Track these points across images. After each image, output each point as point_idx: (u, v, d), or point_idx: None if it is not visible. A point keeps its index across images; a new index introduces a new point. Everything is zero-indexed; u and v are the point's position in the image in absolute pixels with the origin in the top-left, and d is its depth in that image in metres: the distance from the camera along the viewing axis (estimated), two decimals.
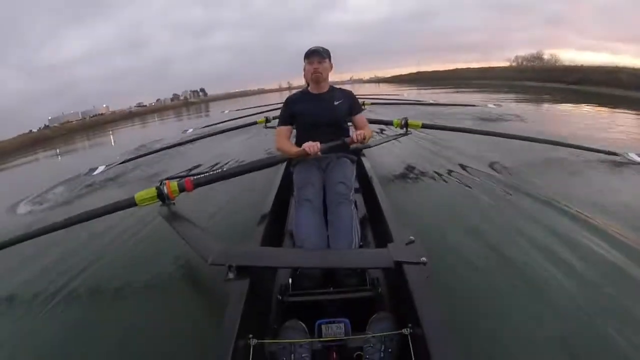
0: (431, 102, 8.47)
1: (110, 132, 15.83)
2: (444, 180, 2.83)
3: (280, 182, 2.10)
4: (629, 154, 3.12)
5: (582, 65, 16.23)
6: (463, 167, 3.12)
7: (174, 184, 1.71)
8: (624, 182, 2.62)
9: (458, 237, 1.85)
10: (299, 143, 1.78)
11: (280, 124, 1.91)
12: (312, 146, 1.64)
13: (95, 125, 26.37)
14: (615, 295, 1.36)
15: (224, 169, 1.92)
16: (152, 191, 1.71)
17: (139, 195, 1.71)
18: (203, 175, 1.83)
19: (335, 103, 1.85)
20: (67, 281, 1.89)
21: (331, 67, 1.88)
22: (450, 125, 3.80)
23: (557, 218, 2.00)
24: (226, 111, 9.66)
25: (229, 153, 4.68)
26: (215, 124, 7.10)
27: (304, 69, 1.86)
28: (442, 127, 3.93)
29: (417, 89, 19.12)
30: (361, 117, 1.93)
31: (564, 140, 3.42)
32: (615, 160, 3.06)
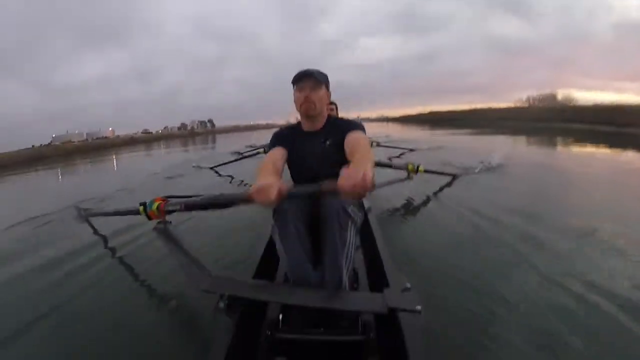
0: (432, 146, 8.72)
1: (114, 157, 15.89)
2: (449, 225, 2.76)
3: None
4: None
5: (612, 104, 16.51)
6: (472, 212, 2.99)
7: (169, 204, 1.72)
8: None
9: (459, 286, 1.78)
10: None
11: (269, 148, 1.55)
12: (283, 189, 1.10)
13: (97, 148, 26.65)
14: None
15: (220, 196, 1.83)
16: (155, 204, 1.74)
17: (142, 208, 1.78)
18: (198, 198, 1.67)
19: (327, 143, 1.46)
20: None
21: (328, 96, 1.53)
22: (453, 173, 4.00)
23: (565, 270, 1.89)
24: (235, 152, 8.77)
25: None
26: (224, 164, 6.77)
27: (294, 96, 1.48)
28: (442, 173, 4.04)
29: (431, 130, 18.92)
30: (356, 136, 1.39)
31: None
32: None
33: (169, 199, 1.77)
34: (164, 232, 1.66)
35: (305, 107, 1.45)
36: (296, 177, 1.57)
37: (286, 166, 1.54)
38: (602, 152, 7.95)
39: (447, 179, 4.18)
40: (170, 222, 1.72)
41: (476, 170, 4.73)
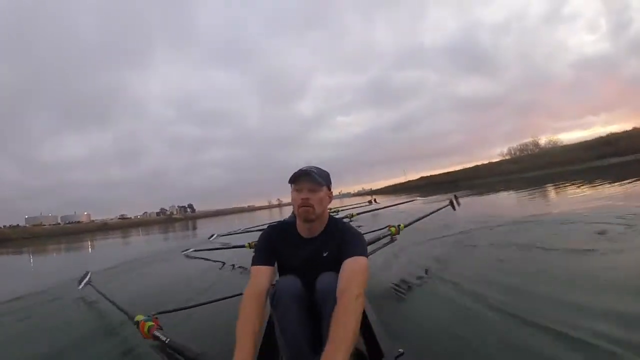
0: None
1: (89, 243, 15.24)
2: (436, 290, 2.72)
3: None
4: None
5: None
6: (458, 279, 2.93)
7: (147, 325, 1.83)
8: None
9: (451, 351, 1.76)
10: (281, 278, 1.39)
11: (258, 261, 1.38)
12: None
13: (67, 233, 25.41)
14: None
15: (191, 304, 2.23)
16: (146, 325, 1.84)
17: (138, 317, 1.92)
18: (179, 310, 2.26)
19: (325, 254, 1.38)
20: None
21: (330, 197, 1.44)
22: (422, 215, 4.30)
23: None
24: (214, 235, 9.20)
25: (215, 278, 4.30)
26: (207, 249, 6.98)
27: (292, 196, 1.40)
28: (417, 219, 4.21)
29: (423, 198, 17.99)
30: (357, 262, 1.26)
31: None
32: None
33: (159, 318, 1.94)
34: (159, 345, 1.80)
35: (303, 211, 1.33)
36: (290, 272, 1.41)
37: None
38: None
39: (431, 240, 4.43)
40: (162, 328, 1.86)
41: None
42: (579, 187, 10.38)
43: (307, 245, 1.39)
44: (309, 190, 1.33)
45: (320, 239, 1.39)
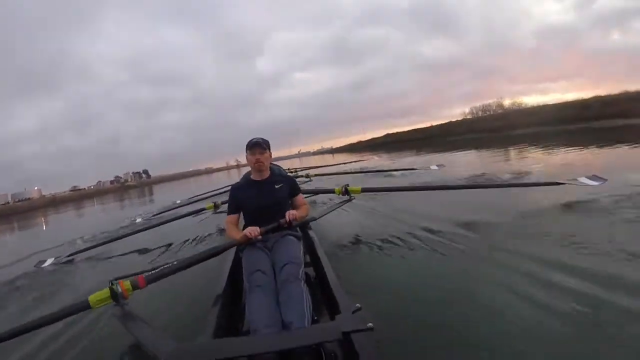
0: (373, 169, 9.32)
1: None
2: (392, 244, 2.89)
3: (231, 269, 2.10)
4: (579, 179, 3.40)
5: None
6: (410, 228, 3.20)
7: (127, 282, 1.70)
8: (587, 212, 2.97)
9: (408, 300, 1.89)
10: (246, 228, 1.91)
11: (229, 212, 2.14)
12: (252, 231, 1.84)
13: (19, 212, 23.56)
14: None
15: (175, 263, 1.92)
16: (106, 292, 1.68)
17: (93, 297, 1.67)
18: (155, 271, 1.83)
19: (277, 187, 2.11)
20: None
21: (270, 155, 2.14)
22: (390, 186, 4.13)
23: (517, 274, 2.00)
24: (178, 201, 8.79)
25: (180, 240, 4.41)
26: (165, 211, 7.09)
27: (247, 158, 2.10)
28: (382, 189, 4.22)
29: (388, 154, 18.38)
30: (299, 198, 2.23)
31: (516, 181, 3.90)
32: (568, 189, 3.39)
33: (145, 274, 1.77)
34: (121, 313, 1.62)
35: (257, 165, 2.07)
36: (253, 213, 2.07)
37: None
38: None
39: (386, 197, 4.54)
40: (127, 302, 1.69)
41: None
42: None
43: (262, 185, 2.11)
44: (259, 153, 2.06)
45: (269, 179, 2.14)
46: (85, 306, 1.67)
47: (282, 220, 1.94)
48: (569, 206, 3.24)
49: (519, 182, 4.27)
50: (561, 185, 3.38)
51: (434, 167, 6.97)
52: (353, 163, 14.28)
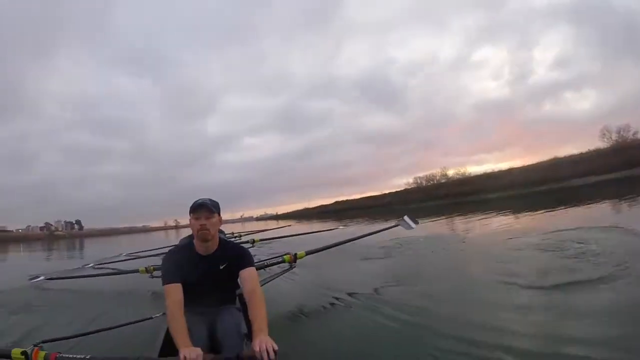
0: (317, 230, 9.74)
1: None
2: (331, 308, 3.31)
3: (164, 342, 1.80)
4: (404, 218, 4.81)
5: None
6: (350, 292, 3.66)
7: (42, 354, 1.57)
8: None
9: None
10: (185, 300, 1.64)
11: (169, 280, 1.67)
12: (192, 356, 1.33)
13: None
14: None
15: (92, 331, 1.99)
16: (18, 352, 1.59)
17: (15, 351, 1.60)
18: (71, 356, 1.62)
19: (221, 267, 1.75)
20: None
21: (220, 221, 1.78)
22: (329, 244, 4.26)
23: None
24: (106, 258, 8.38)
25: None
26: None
27: (190, 223, 1.73)
28: (323, 248, 4.22)
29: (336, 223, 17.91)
30: (250, 272, 1.75)
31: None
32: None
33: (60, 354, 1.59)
34: None
35: (201, 233, 1.68)
36: (190, 296, 1.67)
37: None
38: None
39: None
40: None
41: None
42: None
43: (205, 261, 1.75)
44: (205, 218, 1.68)
45: (215, 255, 1.76)
46: (7, 355, 1.61)
47: (242, 353, 1.44)
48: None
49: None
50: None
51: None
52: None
